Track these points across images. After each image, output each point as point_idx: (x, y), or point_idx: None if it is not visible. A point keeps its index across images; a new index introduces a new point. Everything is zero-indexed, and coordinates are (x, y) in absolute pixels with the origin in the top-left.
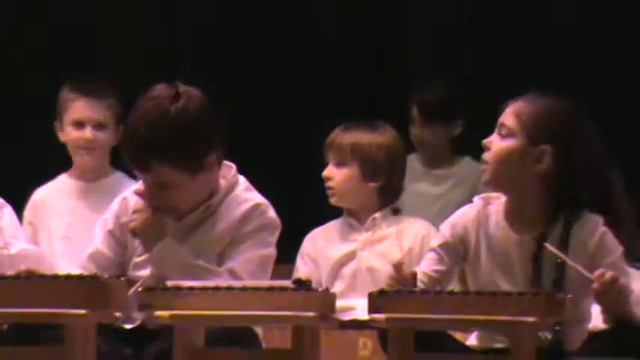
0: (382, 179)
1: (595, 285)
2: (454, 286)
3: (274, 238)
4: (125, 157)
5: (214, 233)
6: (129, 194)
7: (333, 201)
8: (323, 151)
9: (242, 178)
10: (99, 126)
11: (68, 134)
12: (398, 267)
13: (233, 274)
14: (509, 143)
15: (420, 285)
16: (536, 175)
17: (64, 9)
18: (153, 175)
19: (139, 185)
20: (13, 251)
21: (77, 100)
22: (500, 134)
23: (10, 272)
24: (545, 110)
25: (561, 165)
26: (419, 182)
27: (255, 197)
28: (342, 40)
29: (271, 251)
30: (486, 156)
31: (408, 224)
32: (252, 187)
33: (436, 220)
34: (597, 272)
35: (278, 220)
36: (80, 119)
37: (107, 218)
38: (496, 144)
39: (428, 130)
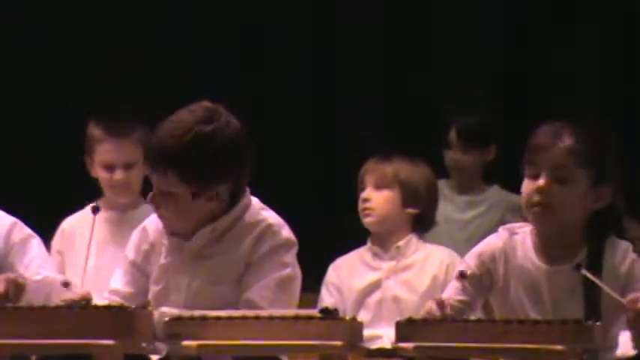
0: (420, 207)
1: (628, 313)
2: (478, 314)
3: (291, 257)
4: (145, 157)
5: (228, 260)
6: (148, 223)
7: (368, 221)
8: (358, 179)
9: (255, 199)
10: (128, 166)
11: (98, 174)
12: (441, 304)
13: (250, 304)
14: (572, 190)
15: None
16: (587, 212)
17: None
18: (158, 179)
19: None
20: (38, 277)
21: (104, 142)
22: (556, 177)
23: (35, 299)
24: (603, 146)
25: (613, 200)
26: (446, 207)
27: (268, 217)
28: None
29: (289, 272)
30: (548, 199)
31: (432, 252)
32: (266, 207)
33: (464, 246)
34: (630, 297)
35: (293, 239)
36: (109, 162)
37: (128, 252)
38: (558, 192)
39: (465, 154)
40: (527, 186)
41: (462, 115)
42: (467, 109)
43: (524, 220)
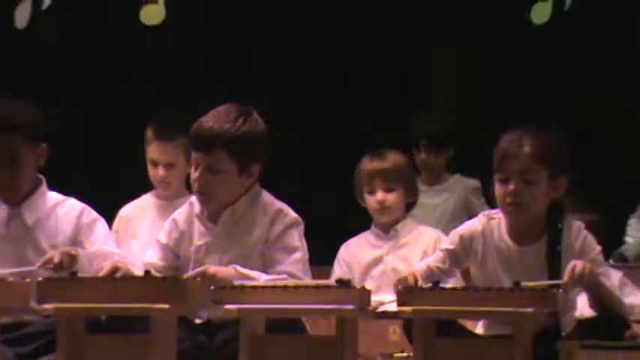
0: (414, 196)
1: (567, 279)
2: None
3: (301, 232)
4: (191, 142)
5: (250, 239)
6: (177, 215)
7: (383, 218)
8: (359, 174)
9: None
10: (169, 165)
11: (149, 170)
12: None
13: (289, 274)
14: (537, 189)
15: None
16: (549, 200)
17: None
18: (210, 158)
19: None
20: (92, 249)
21: (152, 142)
22: (523, 180)
23: (88, 268)
24: (557, 145)
25: (569, 186)
26: (421, 198)
27: (275, 202)
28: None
29: (302, 245)
30: (519, 199)
31: (422, 232)
32: (272, 196)
33: (435, 227)
34: (568, 268)
35: (300, 218)
36: (154, 159)
37: (160, 237)
38: (526, 193)
39: (436, 157)
40: (499, 190)
41: (429, 125)
42: (432, 118)
43: (487, 200)
